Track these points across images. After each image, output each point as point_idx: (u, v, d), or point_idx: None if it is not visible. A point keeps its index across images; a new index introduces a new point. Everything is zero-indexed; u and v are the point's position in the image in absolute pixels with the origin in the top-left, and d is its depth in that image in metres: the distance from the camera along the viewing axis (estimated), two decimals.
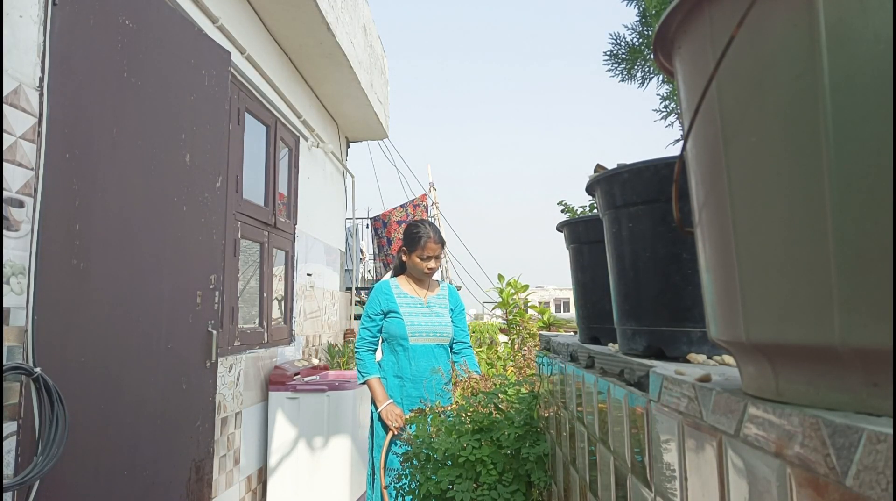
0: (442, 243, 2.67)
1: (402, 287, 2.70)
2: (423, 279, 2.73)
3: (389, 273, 2.91)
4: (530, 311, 4.19)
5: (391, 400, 2.51)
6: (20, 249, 1.56)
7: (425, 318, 2.66)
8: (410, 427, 1.86)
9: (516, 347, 3.85)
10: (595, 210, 1.50)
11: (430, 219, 7.51)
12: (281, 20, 3.52)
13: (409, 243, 2.66)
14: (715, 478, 0.50)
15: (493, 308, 5.07)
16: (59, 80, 1.66)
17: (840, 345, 0.34)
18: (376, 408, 2.53)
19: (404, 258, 2.71)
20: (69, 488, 1.65)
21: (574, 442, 1.13)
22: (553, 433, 1.43)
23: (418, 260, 2.64)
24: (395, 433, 2.45)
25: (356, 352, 2.62)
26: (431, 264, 2.65)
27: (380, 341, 2.70)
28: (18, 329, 1.53)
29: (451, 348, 2.73)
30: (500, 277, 4.28)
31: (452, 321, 2.73)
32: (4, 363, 1.45)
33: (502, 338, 4.53)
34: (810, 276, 0.36)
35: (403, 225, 7.26)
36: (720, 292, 0.47)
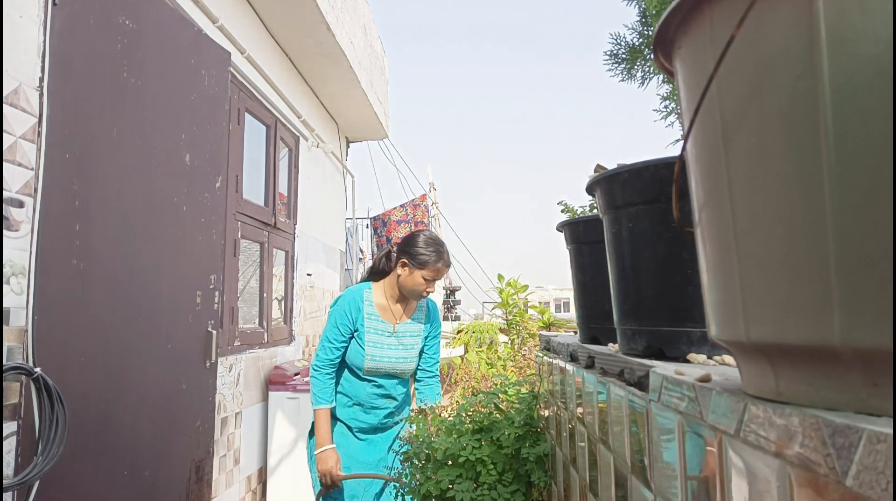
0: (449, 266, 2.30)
1: (374, 303, 2.26)
2: (404, 299, 2.29)
3: (362, 275, 2.41)
4: (530, 311, 4.19)
5: (333, 446, 2.15)
6: (20, 249, 1.56)
7: (389, 351, 2.23)
8: (410, 427, 1.85)
9: (516, 347, 3.85)
10: (595, 210, 1.50)
11: (430, 218, 7.48)
12: (281, 20, 3.52)
13: (420, 257, 2.19)
14: (715, 478, 0.50)
15: (493, 308, 5.06)
16: (59, 80, 1.66)
17: (840, 345, 0.34)
18: (314, 445, 2.20)
19: (400, 270, 2.22)
20: (69, 488, 1.65)
21: (574, 442, 1.13)
22: (553, 433, 1.43)
23: (421, 279, 2.19)
24: (325, 489, 2.12)
25: (314, 370, 2.19)
26: (431, 287, 2.23)
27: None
28: (18, 329, 1.53)
29: (414, 375, 2.38)
30: (500, 277, 4.29)
31: (423, 348, 2.35)
32: (4, 363, 1.45)
33: (502, 338, 4.54)
34: (810, 276, 0.36)
35: (404, 225, 7.25)
36: (720, 292, 0.47)
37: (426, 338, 2.36)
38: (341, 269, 5.49)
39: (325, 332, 2.23)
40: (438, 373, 2.42)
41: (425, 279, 2.20)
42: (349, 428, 2.27)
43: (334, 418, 2.28)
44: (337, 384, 2.29)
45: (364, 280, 2.37)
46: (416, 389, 2.41)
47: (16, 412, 1.52)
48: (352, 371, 2.26)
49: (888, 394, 0.34)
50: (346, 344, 2.22)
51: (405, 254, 2.22)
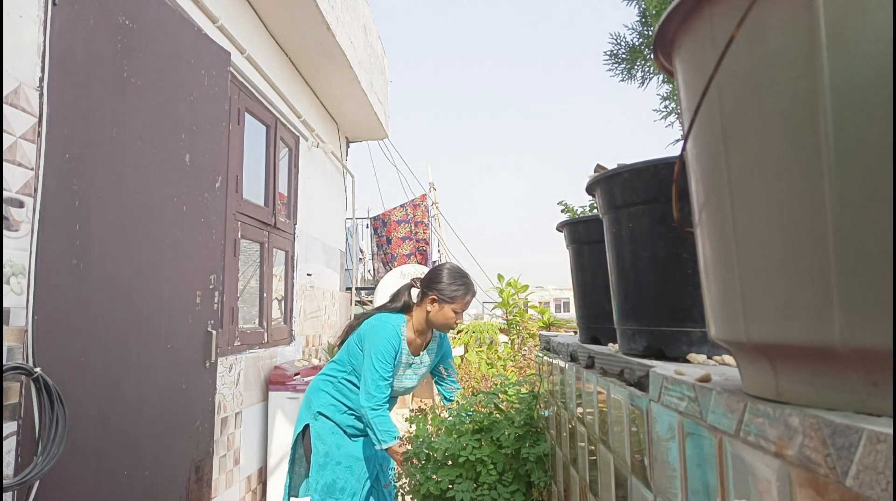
0: None
1: (406, 338, 2.29)
2: (424, 332, 2.35)
3: (378, 296, 2.45)
4: (530, 311, 4.19)
5: None
6: (20, 249, 1.56)
7: (405, 381, 2.35)
8: (411, 426, 1.86)
9: (516, 347, 3.85)
10: (595, 210, 1.50)
11: (430, 218, 7.49)
12: (281, 20, 3.51)
13: (449, 292, 2.23)
14: (715, 478, 0.50)
15: (493, 308, 5.06)
16: (59, 80, 1.66)
17: (840, 345, 0.34)
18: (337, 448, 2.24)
19: (430, 306, 2.26)
20: (69, 488, 1.65)
21: (574, 442, 1.13)
22: (553, 433, 1.43)
23: (452, 313, 2.24)
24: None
25: (375, 409, 2.12)
26: (461, 318, 2.30)
27: (342, 375, 2.34)
28: (18, 329, 1.53)
29: (440, 381, 2.48)
30: (500, 277, 4.28)
31: (441, 365, 2.46)
32: (4, 363, 1.45)
33: (502, 338, 4.54)
34: (810, 276, 0.36)
35: (404, 224, 7.25)
36: (720, 292, 0.47)
37: (441, 358, 2.46)
38: (341, 269, 5.49)
39: (375, 368, 2.17)
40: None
41: (455, 312, 2.25)
42: (343, 431, 2.34)
43: (328, 419, 2.33)
44: (345, 398, 2.34)
45: (391, 311, 2.35)
46: (441, 389, 2.50)
47: (16, 412, 1.52)
48: (359, 387, 2.29)
49: (888, 394, 0.34)
50: (392, 374, 2.23)
51: (433, 291, 2.25)
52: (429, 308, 2.26)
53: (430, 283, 2.28)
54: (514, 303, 4.12)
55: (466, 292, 2.27)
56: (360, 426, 2.34)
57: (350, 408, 2.32)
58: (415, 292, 2.35)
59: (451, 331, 2.39)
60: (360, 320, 2.38)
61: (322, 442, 2.29)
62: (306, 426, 2.37)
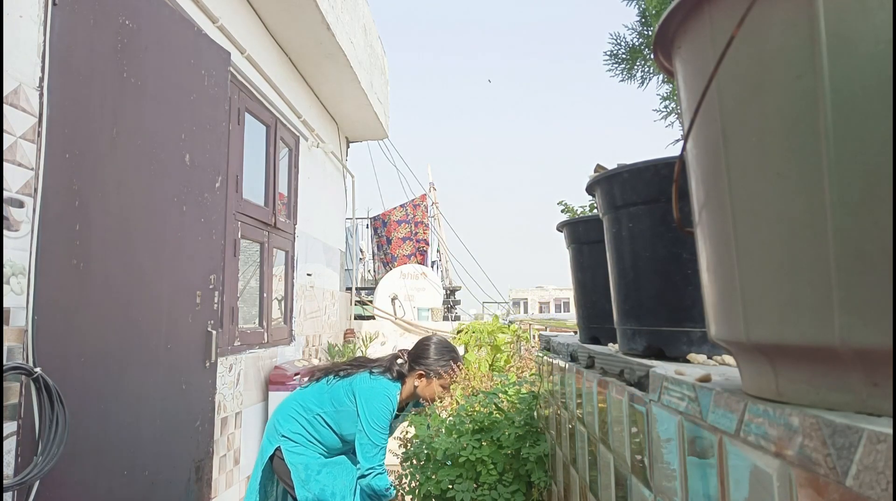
0: None
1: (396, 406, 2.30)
2: (409, 400, 2.36)
3: (381, 370, 2.36)
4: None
5: None
6: (20, 249, 1.56)
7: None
8: (409, 427, 1.86)
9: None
10: (595, 210, 1.50)
11: (430, 218, 7.48)
12: (281, 20, 3.52)
13: (436, 368, 2.24)
14: (715, 478, 0.50)
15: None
16: (59, 80, 1.66)
17: (840, 345, 0.34)
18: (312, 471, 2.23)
19: (417, 381, 2.27)
20: (69, 488, 1.65)
21: (574, 442, 1.13)
22: (553, 434, 1.43)
23: (440, 387, 2.25)
24: None
25: (382, 474, 2.14)
26: (448, 391, 2.29)
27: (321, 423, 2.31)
28: (18, 329, 1.53)
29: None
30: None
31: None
32: (4, 363, 1.45)
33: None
34: (810, 276, 0.36)
35: (404, 224, 7.25)
36: (720, 292, 0.47)
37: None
38: (341, 269, 5.49)
39: (374, 436, 2.17)
40: None
41: (443, 387, 2.26)
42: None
43: (296, 443, 2.30)
44: (316, 432, 2.31)
45: (388, 378, 2.31)
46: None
47: (16, 412, 1.52)
48: (336, 433, 2.28)
49: (888, 394, 0.34)
50: None
51: (421, 366, 2.27)
52: (416, 383, 2.27)
53: (417, 358, 2.29)
54: None
55: (454, 366, 2.26)
56: (328, 454, 2.32)
57: (319, 442, 2.30)
58: (400, 361, 2.35)
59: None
60: (348, 371, 2.34)
61: (298, 456, 2.27)
62: (277, 449, 2.31)
